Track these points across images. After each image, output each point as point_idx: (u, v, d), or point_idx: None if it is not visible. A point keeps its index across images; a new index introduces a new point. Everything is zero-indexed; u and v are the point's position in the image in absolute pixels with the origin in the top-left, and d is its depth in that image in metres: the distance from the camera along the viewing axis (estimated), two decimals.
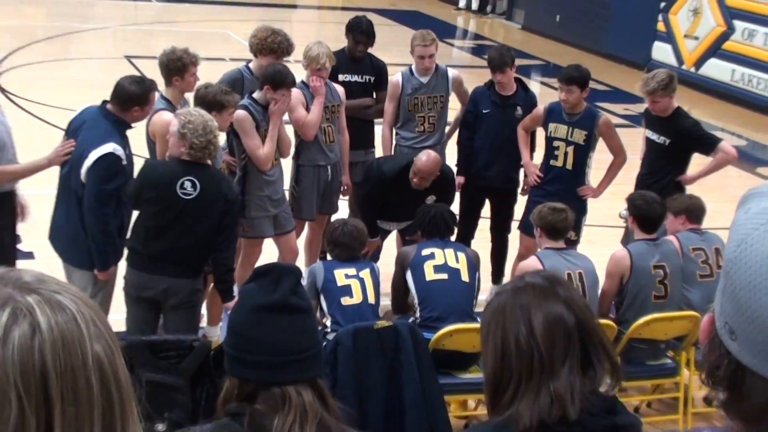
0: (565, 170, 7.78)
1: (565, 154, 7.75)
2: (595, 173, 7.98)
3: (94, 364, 1.29)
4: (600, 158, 7.98)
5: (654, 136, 7.85)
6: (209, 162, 6.02)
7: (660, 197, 6.81)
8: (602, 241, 8.87)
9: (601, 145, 7.88)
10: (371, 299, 6.23)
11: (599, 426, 2.40)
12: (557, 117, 7.78)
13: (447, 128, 8.49)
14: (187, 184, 5.86)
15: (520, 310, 2.48)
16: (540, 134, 8.12)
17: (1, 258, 6.44)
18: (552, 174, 7.84)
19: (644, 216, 6.62)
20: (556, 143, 7.79)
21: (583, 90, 7.62)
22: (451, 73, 8.39)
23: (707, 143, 7.77)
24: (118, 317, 6.40)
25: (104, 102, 6.35)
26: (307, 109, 7.53)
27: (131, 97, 6.22)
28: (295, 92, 7.50)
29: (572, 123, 7.70)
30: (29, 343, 1.26)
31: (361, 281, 6.23)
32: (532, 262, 6.38)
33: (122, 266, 6.29)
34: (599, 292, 6.55)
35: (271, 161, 7.17)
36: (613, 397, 2.48)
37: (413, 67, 8.26)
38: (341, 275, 6.22)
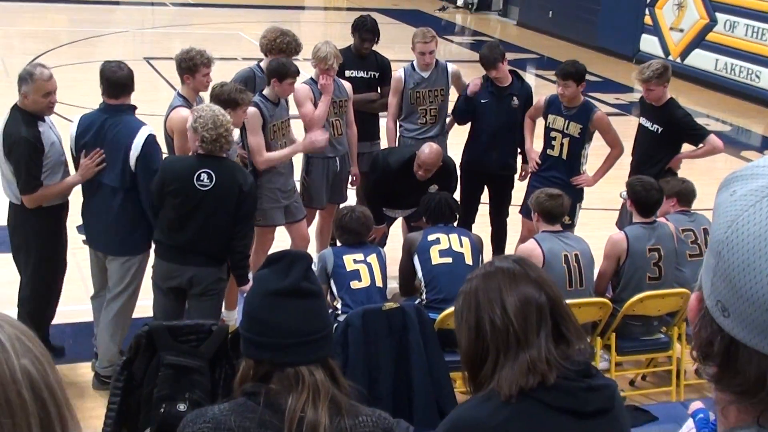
0: (561, 160, 7.81)
1: (561, 145, 7.77)
2: (595, 159, 7.95)
3: (23, 377, 1.31)
4: (598, 145, 7.96)
5: (647, 124, 7.83)
6: (224, 155, 6.00)
7: (658, 183, 6.79)
8: (595, 223, 8.86)
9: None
10: (379, 282, 6.24)
11: (576, 388, 2.40)
12: (556, 109, 7.80)
13: (447, 119, 8.47)
14: (204, 176, 5.85)
15: (492, 292, 2.48)
16: (540, 123, 8.11)
17: (55, 265, 6.50)
18: (549, 162, 7.87)
19: (642, 201, 6.61)
20: (553, 134, 7.82)
21: (579, 84, 7.62)
22: (450, 67, 8.38)
23: (697, 134, 7.76)
24: (145, 303, 6.41)
25: (103, 104, 6.28)
26: (315, 105, 7.53)
27: (129, 79, 6.25)
28: (304, 88, 7.52)
29: (569, 116, 7.71)
30: None
31: (369, 266, 6.23)
32: (530, 245, 6.39)
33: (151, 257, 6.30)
34: (596, 272, 6.54)
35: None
36: (587, 362, 2.47)
37: (415, 63, 8.25)
38: (350, 260, 6.22)
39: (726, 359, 1.20)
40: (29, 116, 6.07)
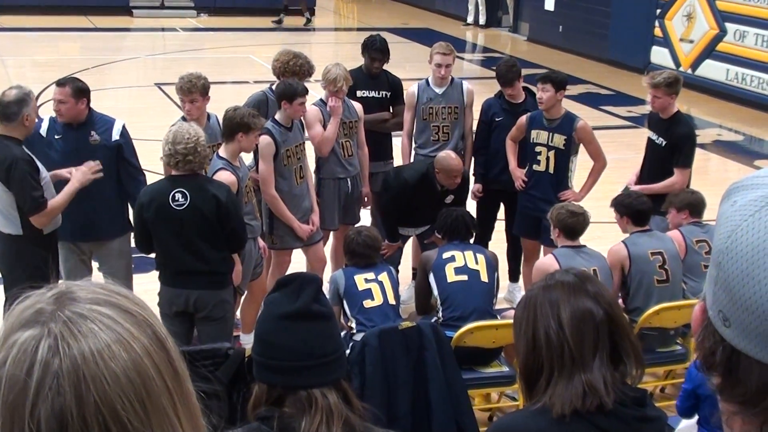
0: (548, 174, 7.73)
1: (547, 158, 7.70)
2: (582, 173, 7.92)
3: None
4: (583, 160, 7.93)
5: (654, 137, 7.81)
6: (198, 172, 6.01)
7: (644, 193, 6.90)
8: (611, 237, 8.82)
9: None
10: (391, 300, 6.24)
11: (631, 417, 2.38)
12: (538, 124, 7.74)
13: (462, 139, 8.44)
14: (178, 196, 5.89)
15: (549, 305, 2.47)
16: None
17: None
18: (535, 179, 7.80)
19: (635, 210, 6.66)
20: (538, 149, 7.74)
21: (558, 91, 7.57)
22: (466, 85, 8.39)
23: (681, 159, 7.57)
24: None
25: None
26: (325, 127, 7.55)
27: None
28: (314, 110, 7.55)
29: (552, 128, 7.66)
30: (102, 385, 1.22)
31: (380, 284, 6.24)
32: (549, 260, 6.39)
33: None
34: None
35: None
36: (644, 390, 2.46)
37: (429, 79, 8.26)
38: (361, 280, 6.22)
39: (728, 369, 1.20)
40: (16, 141, 6.10)
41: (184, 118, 6.95)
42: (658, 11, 18.74)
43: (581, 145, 7.72)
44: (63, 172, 6.38)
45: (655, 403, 2.58)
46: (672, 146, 7.57)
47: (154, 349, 1.27)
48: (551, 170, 7.71)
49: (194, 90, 6.91)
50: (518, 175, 7.92)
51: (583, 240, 6.62)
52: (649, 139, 7.91)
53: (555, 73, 7.83)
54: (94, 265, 7.00)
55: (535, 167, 7.78)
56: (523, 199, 7.89)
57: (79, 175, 6.29)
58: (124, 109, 11.90)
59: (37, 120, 6.39)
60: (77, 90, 6.57)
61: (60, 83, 6.66)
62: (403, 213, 7.70)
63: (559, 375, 2.40)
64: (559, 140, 7.65)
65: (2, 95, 6.15)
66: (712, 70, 17.46)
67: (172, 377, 1.28)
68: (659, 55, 18.75)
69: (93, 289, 1.29)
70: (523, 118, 7.88)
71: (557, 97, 7.58)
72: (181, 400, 1.29)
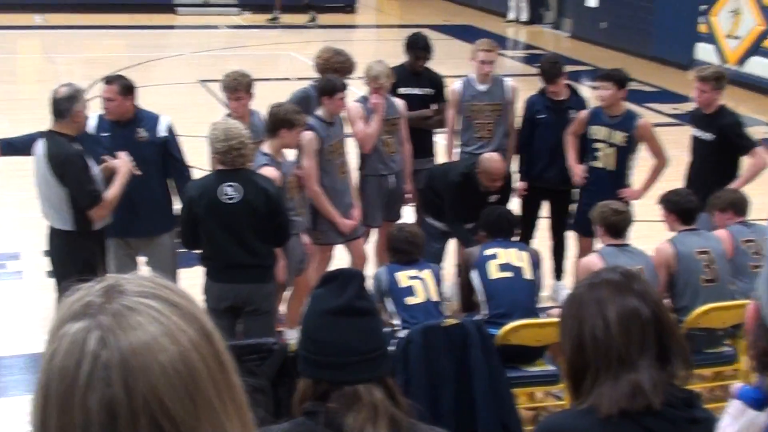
0: (606, 171, 7.70)
1: (606, 155, 7.66)
2: (639, 173, 7.86)
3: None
4: (644, 155, 7.87)
5: (699, 133, 7.72)
6: (245, 166, 6.04)
7: (692, 191, 6.82)
8: (657, 235, 8.73)
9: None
10: (434, 297, 6.21)
11: (679, 418, 2.34)
12: (598, 120, 7.71)
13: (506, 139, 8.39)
14: (228, 190, 5.93)
15: (595, 303, 2.44)
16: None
17: None
18: (594, 175, 7.76)
19: (682, 208, 6.59)
20: (597, 145, 7.72)
21: (620, 89, 7.53)
22: (509, 82, 8.35)
23: (743, 144, 7.58)
24: None
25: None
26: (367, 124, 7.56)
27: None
28: (356, 107, 7.57)
29: (612, 125, 7.63)
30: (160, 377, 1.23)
31: (423, 281, 6.22)
32: (593, 259, 6.33)
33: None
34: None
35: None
36: (692, 391, 2.42)
37: (473, 76, 8.22)
38: (404, 277, 6.20)
39: None
40: (69, 137, 6.17)
41: (229, 115, 6.99)
42: (703, 7, 18.54)
43: (641, 142, 7.67)
44: (110, 163, 6.43)
45: (703, 405, 2.54)
46: (723, 139, 7.48)
47: (201, 342, 1.27)
48: (610, 167, 7.68)
49: (240, 87, 6.97)
50: (577, 171, 7.88)
51: (628, 239, 6.55)
52: (695, 137, 7.81)
53: (616, 71, 7.77)
54: (141, 259, 7.05)
55: (593, 164, 7.76)
56: (584, 195, 7.83)
57: (121, 164, 6.37)
58: (169, 106, 11.95)
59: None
60: (124, 87, 6.63)
61: (107, 81, 6.73)
62: (460, 212, 7.60)
63: (606, 374, 2.37)
64: (619, 137, 7.61)
65: (54, 92, 6.24)
66: (759, 66, 17.24)
67: (219, 370, 1.28)
68: (704, 52, 18.54)
69: (141, 282, 1.29)
70: (584, 113, 7.87)
71: (618, 95, 7.55)
72: (228, 393, 1.30)
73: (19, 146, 6.56)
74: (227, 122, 6.12)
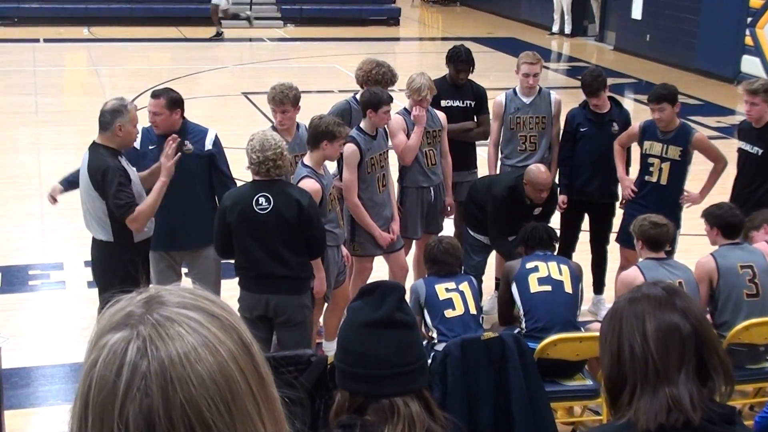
0: (659, 186, 7.66)
1: (660, 170, 7.62)
2: (690, 184, 7.80)
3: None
4: (695, 170, 7.80)
5: (747, 147, 7.65)
6: (280, 178, 6.07)
7: (737, 205, 6.74)
8: (697, 249, 8.65)
9: (697, 156, 7.72)
10: (472, 310, 6.21)
11: None
12: (652, 135, 7.67)
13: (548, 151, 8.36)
14: (262, 200, 5.98)
15: (634, 318, 2.42)
16: (635, 149, 7.99)
17: None
18: (646, 189, 7.73)
19: (726, 222, 6.53)
20: (651, 160, 7.69)
21: (674, 105, 7.48)
22: (554, 95, 8.33)
23: None
24: None
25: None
26: (409, 136, 7.56)
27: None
28: (398, 119, 7.57)
29: (667, 140, 7.59)
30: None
31: (461, 294, 6.21)
32: (633, 273, 6.28)
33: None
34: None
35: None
36: (733, 407, 2.40)
37: (517, 88, 8.23)
38: (442, 289, 6.20)
39: None
40: (111, 150, 6.20)
41: (274, 128, 7.02)
42: (750, 19, 18.36)
43: (694, 153, 7.63)
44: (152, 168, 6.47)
45: (744, 422, 2.51)
46: None
47: (239, 354, 1.28)
48: (663, 181, 7.65)
49: (286, 101, 6.98)
50: (627, 184, 7.85)
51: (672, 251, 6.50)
52: (742, 150, 7.75)
53: (665, 87, 7.66)
54: (183, 270, 7.10)
55: (647, 178, 7.73)
56: (630, 208, 7.79)
57: (163, 170, 6.29)
58: (212, 118, 12.06)
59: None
60: (171, 101, 6.66)
61: (154, 95, 6.74)
62: (503, 225, 7.58)
63: (643, 389, 2.35)
64: (674, 152, 7.58)
65: (104, 105, 6.29)
66: None
67: (257, 382, 1.30)
68: (750, 65, 18.35)
69: (181, 294, 1.31)
70: (636, 126, 7.83)
71: (674, 111, 7.50)
72: (266, 404, 1.31)
73: (77, 180, 6.57)
74: (265, 133, 6.15)
